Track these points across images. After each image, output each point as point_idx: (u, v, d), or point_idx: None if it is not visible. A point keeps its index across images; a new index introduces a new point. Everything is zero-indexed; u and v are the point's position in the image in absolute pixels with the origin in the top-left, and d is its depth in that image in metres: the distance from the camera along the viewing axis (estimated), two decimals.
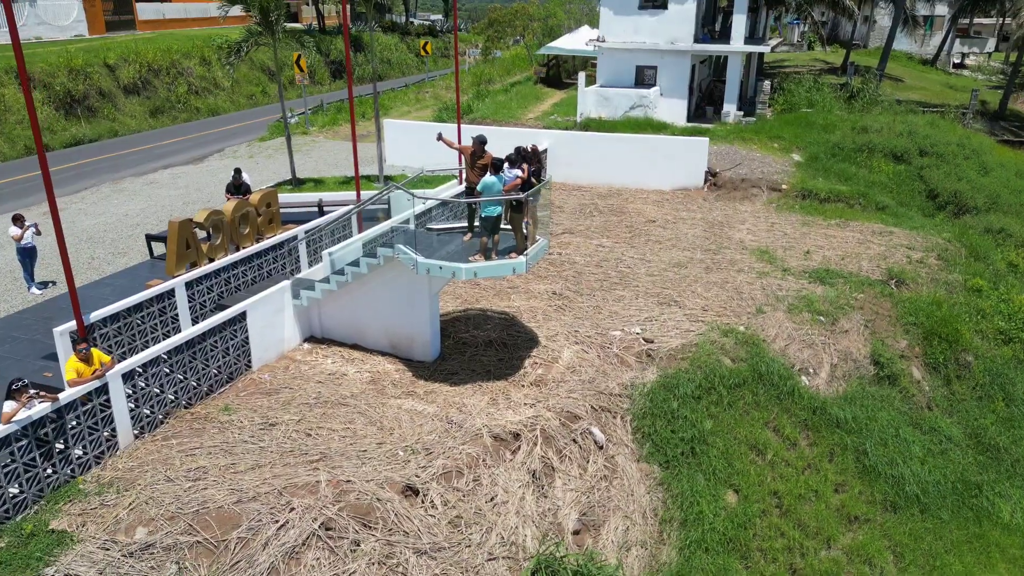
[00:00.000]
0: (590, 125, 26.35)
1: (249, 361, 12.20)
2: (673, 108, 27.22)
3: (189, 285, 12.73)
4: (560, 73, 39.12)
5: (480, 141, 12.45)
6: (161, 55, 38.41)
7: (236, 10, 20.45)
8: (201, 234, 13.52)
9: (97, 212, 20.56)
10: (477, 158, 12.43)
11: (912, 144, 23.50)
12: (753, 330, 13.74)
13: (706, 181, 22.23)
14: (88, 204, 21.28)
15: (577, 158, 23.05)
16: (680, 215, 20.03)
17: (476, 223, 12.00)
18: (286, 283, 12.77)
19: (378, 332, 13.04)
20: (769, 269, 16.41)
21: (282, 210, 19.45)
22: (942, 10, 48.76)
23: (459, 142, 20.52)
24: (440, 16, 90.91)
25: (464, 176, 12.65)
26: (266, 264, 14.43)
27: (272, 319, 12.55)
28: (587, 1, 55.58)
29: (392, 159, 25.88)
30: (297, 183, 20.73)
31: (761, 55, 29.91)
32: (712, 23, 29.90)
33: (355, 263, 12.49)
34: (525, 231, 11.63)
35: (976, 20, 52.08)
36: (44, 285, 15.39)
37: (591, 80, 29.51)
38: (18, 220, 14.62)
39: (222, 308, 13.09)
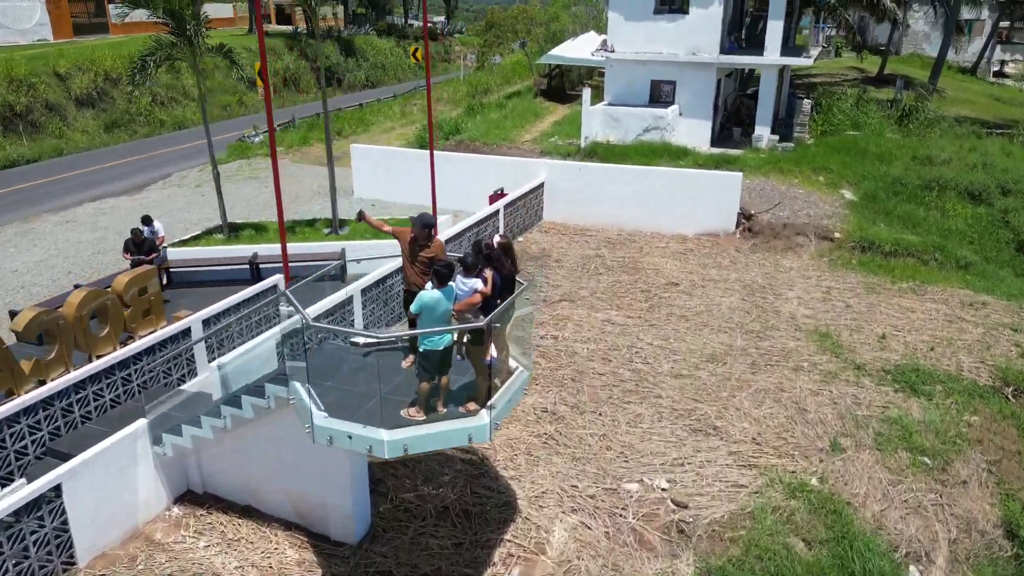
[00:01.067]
0: (596, 151, 21.86)
1: (71, 556, 7.84)
2: (695, 130, 22.68)
3: None
4: (563, 84, 34.65)
5: (423, 224, 8.04)
6: (122, 62, 34.04)
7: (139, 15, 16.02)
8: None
9: None
10: (419, 248, 8.02)
11: (990, 179, 18.90)
12: (832, 484, 9.27)
13: (738, 225, 17.72)
14: None
15: (580, 193, 18.59)
16: (709, 274, 15.53)
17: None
18: (138, 425, 8.39)
19: (278, 494, 8.66)
20: (836, 366, 11.92)
21: (207, 268, 15.14)
22: (979, 13, 43.99)
23: (433, 174, 16.13)
24: (442, 18, 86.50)
25: (403, 273, 8.33)
26: (137, 377, 10.05)
27: (114, 483, 8.17)
28: (595, 3, 50.93)
29: (359, 190, 21.48)
30: (231, 231, 16.36)
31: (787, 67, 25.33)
32: (739, 29, 25.32)
33: (235, 401, 8.09)
34: (491, 366, 7.22)
35: (1016, 24, 47.24)
36: None
37: (597, 96, 24.99)
38: None
39: (62, 456, 8.74)
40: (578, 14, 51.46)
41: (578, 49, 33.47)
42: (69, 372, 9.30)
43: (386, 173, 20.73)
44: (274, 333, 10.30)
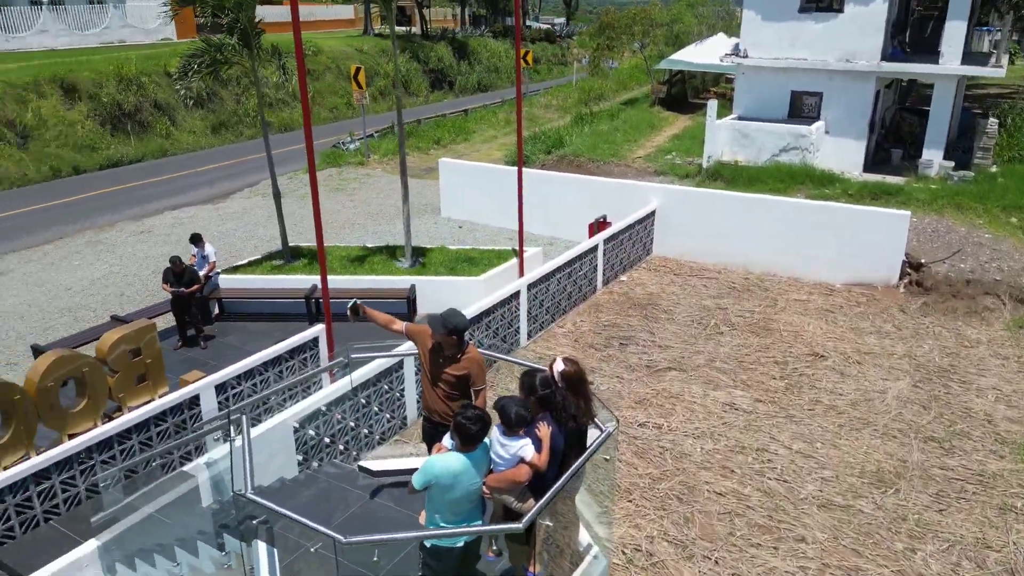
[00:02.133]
0: (721, 172, 18.48)
1: None
2: (844, 152, 18.82)
3: None
4: (685, 93, 31.14)
5: (449, 327, 5.30)
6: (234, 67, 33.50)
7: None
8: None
9: (39, 280, 14.99)
10: (443, 361, 5.33)
11: None
12: None
13: (903, 276, 13.96)
14: (41, 266, 15.81)
15: (700, 226, 15.37)
16: (866, 343, 11.98)
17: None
18: (86, 548, 6.17)
19: None
20: None
21: (260, 300, 13.15)
22: None
23: (520, 197, 13.41)
24: (563, 20, 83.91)
25: (422, 393, 5.70)
26: (124, 458, 7.93)
27: None
28: (724, 2, 46.64)
29: (446, 210, 19.11)
30: (293, 256, 14.35)
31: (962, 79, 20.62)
32: (903, 32, 21.09)
33: (190, 548, 5.70)
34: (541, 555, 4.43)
35: None
36: None
37: (725, 108, 21.50)
38: None
39: (8, 571, 6.72)
40: (705, 15, 47.39)
41: (704, 53, 29.86)
42: (30, 457, 7.27)
43: (475, 192, 18.26)
44: (292, 414, 7.95)
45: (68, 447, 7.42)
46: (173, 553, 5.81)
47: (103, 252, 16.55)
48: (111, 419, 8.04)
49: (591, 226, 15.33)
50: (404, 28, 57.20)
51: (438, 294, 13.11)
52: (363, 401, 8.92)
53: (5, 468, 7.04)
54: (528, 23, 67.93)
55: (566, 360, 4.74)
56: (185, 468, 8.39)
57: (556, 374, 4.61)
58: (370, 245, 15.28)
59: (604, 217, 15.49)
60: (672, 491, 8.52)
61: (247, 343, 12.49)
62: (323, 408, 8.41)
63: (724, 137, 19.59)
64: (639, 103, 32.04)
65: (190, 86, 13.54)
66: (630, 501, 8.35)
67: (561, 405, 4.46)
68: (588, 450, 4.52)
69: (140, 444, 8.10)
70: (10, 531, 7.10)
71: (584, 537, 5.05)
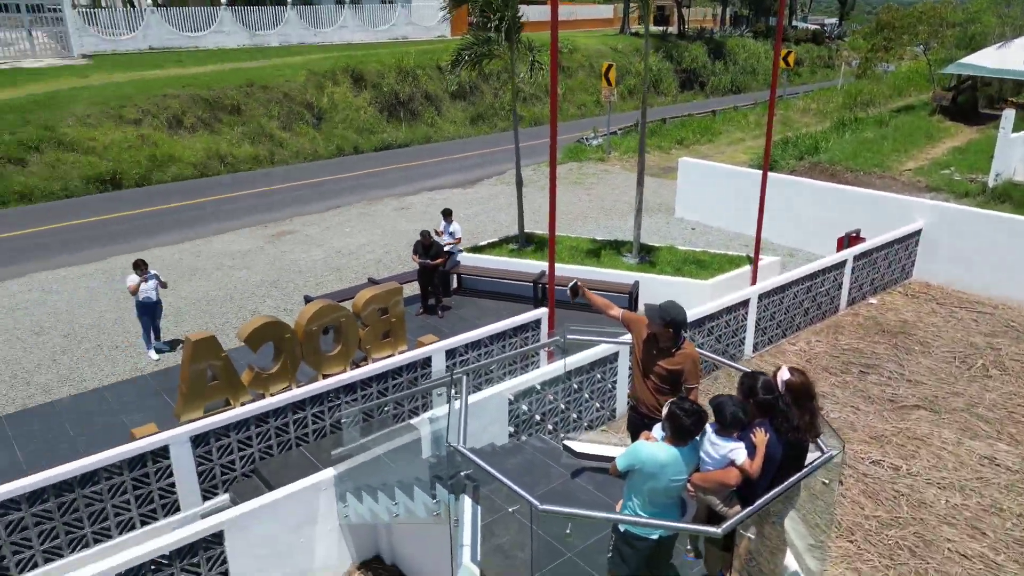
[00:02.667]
0: (1011, 193, 15.89)
1: None
2: None
3: (200, 440, 7.74)
4: (975, 101, 27.15)
5: (667, 319, 5.14)
6: (495, 61, 35.62)
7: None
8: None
9: (319, 241, 17.23)
10: (657, 353, 5.17)
11: None
12: None
13: None
14: (320, 229, 18.17)
15: (977, 252, 13.39)
16: None
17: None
18: (324, 475, 7.02)
19: None
20: None
21: (493, 280, 13.90)
22: None
23: (762, 202, 12.65)
24: (834, 20, 77.49)
25: (631, 386, 5.58)
26: (363, 403, 8.88)
27: (288, 538, 6.94)
28: None
29: (681, 210, 18.66)
30: (527, 242, 14.96)
31: None
32: None
33: (408, 492, 6.22)
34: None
35: None
36: (167, 347, 11.95)
37: None
38: (139, 267, 11.23)
39: (264, 481, 7.91)
40: (1011, 15, 40.88)
41: (1006, 58, 25.80)
42: (292, 389, 8.42)
43: (714, 193, 17.59)
44: (509, 387, 8.32)
45: (321, 385, 8.48)
46: (393, 493, 6.39)
47: (369, 223, 18.61)
48: (357, 367, 9.03)
49: (840, 240, 14.05)
50: (661, 28, 56.63)
51: (661, 293, 12.87)
52: (575, 386, 9.06)
53: (272, 394, 8.25)
54: (794, 23, 63.67)
55: (792, 370, 4.39)
56: (412, 421, 9.18)
57: (780, 382, 4.30)
58: (599, 238, 15.44)
59: (857, 232, 14.11)
60: (904, 541, 7.56)
61: (478, 318, 13.29)
62: (537, 386, 8.69)
63: (1020, 154, 16.79)
64: (916, 111, 28.61)
65: (458, 74, 14.62)
66: (851, 542, 7.57)
67: (783, 413, 4.15)
68: (807, 468, 4.15)
69: (378, 392, 9.00)
70: (269, 449, 8.30)
71: (791, 563, 4.67)
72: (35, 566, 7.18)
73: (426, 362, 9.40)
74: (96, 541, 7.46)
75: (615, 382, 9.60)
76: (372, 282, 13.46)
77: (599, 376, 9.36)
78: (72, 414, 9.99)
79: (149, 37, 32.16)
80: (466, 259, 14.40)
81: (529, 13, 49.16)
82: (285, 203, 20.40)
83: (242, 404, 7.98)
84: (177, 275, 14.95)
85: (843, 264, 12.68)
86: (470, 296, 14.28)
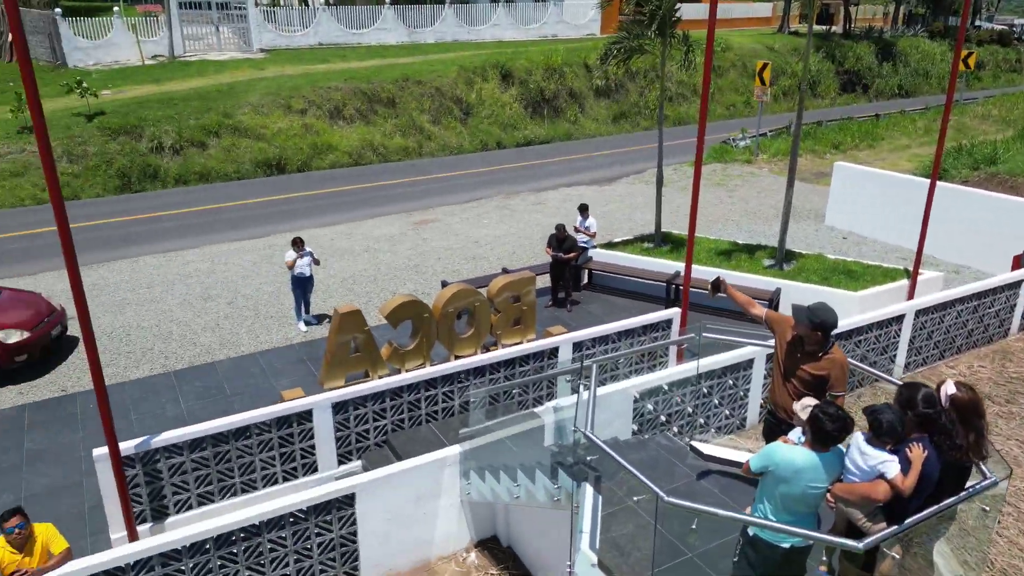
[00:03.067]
0: None
1: (355, 568, 7.17)
2: None
3: (340, 407, 8.22)
4: None
5: (816, 322, 4.83)
6: (644, 57, 35.07)
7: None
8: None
9: (457, 230, 17.78)
10: (801, 356, 4.87)
11: None
12: None
13: None
14: (460, 220, 18.72)
15: None
16: None
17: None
18: (447, 453, 7.26)
19: None
20: None
21: (624, 277, 13.75)
22: None
23: (927, 213, 11.57)
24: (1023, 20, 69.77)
25: (770, 386, 5.28)
26: (489, 386, 9.07)
27: (411, 509, 7.25)
28: None
29: (832, 217, 17.54)
30: (662, 241, 14.62)
31: None
32: None
33: (530, 475, 6.28)
34: None
35: None
36: (315, 320, 12.80)
37: None
38: (297, 244, 12.11)
39: (394, 452, 8.33)
40: None
41: None
42: (426, 367, 8.76)
43: (870, 201, 16.38)
44: (635, 384, 8.20)
45: (453, 365, 8.76)
46: (515, 475, 6.49)
47: (506, 216, 18.96)
48: (488, 351, 9.25)
49: (1017, 258, 12.66)
50: (824, 26, 53.44)
51: (804, 302, 12.23)
52: (705, 390, 8.78)
53: (407, 370, 8.62)
54: (977, 23, 57.91)
55: (959, 385, 3.99)
56: (536, 409, 9.28)
57: (944, 397, 3.93)
58: (740, 242, 14.82)
59: None
60: None
61: (607, 315, 13.20)
62: (664, 387, 8.51)
63: None
64: None
65: (605, 69, 14.52)
66: None
67: (946, 429, 3.78)
68: (967, 491, 3.76)
69: (506, 377, 9.18)
70: (401, 422, 8.69)
71: None
72: (190, 508, 7.94)
73: (553, 352, 9.46)
74: (243, 491, 8.14)
75: (747, 390, 9.21)
76: (506, 271, 13.71)
77: (731, 382, 9.02)
78: (230, 374, 10.97)
79: (319, 34, 34.48)
80: (599, 255, 14.33)
81: (685, 11, 48.02)
82: (429, 193, 21.21)
83: (380, 377, 8.41)
84: (329, 254, 15.96)
85: (1019, 285, 11.42)
86: (600, 292, 14.21)
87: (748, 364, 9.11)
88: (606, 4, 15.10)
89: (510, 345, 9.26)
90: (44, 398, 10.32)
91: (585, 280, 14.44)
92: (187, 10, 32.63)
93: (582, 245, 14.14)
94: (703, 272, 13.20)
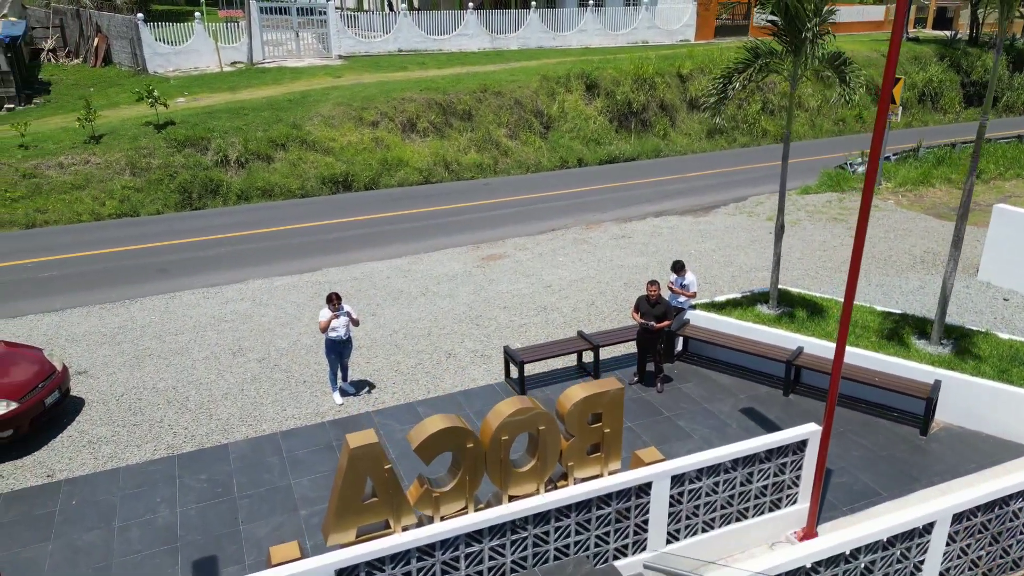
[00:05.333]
0: None
1: None
2: None
3: (348, 574, 5.90)
4: None
5: None
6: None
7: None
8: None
9: (528, 270, 15.31)
10: None
11: None
12: None
13: None
14: (532, 255, 16.25)
15: None
16: None
17: None
18: None
19: None
20: None
21: (730, 349, 11.02)
22: None
23: None
24: None
25: None
26: (556, 537, 6.58)
27: None
28: None
29: (986, 271, 14.13)
30: (780, 301, 11.70)
31: None
32: None
33: None
34: None
35: None
36: (353, 390, 10.65)
37: None
38: (332, 302, 9.96)
39: None
40: None
41: None
42: (468, 512, 6.37)
43: None
44: (774, 566, 5.55)
45: (506, 511, 6.34)
46: None
47: (585, 252, 16.38)
48: (555, 488, 6.77)
49: None
50: (948, 32, 48.06)
51: (973, 403, 9.19)
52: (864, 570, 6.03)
53: (442, 518, 6.26)
54: None
55: None
56: (617, 563, 6.77)
57: None
58: (880, 307, 11.72)
59: None
60: None
61: (707, 398, 10.51)
62: (808, 566, 5.83)
63: None
64: None
65: (728, 101, 11.52)
66: None
67: None
68: None
69: (577, 526, 6.68)
70: None
71: None
72: None
73: (643, 488, 6.90)
74: None
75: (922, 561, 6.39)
76: (583, 338, 11.20)
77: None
78: (243, 464, 8.92)
79: (399, 40, 32.77)
80: (698, 317, 11.59)
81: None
82: (500, 220, 18.87)
83: (404, 529, 6.09)
84: (382, 297, 13.85)
85: None
86: (698, 364, 11.48)
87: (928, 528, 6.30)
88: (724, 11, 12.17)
89: (585, 479, 6.76)
90: (24, 485, 8.54)
91: (680, 347, 11.75)
92: (269, 15, 31.55)
93: (678, 306, 11.47)
94: (831, 350, 10.30)
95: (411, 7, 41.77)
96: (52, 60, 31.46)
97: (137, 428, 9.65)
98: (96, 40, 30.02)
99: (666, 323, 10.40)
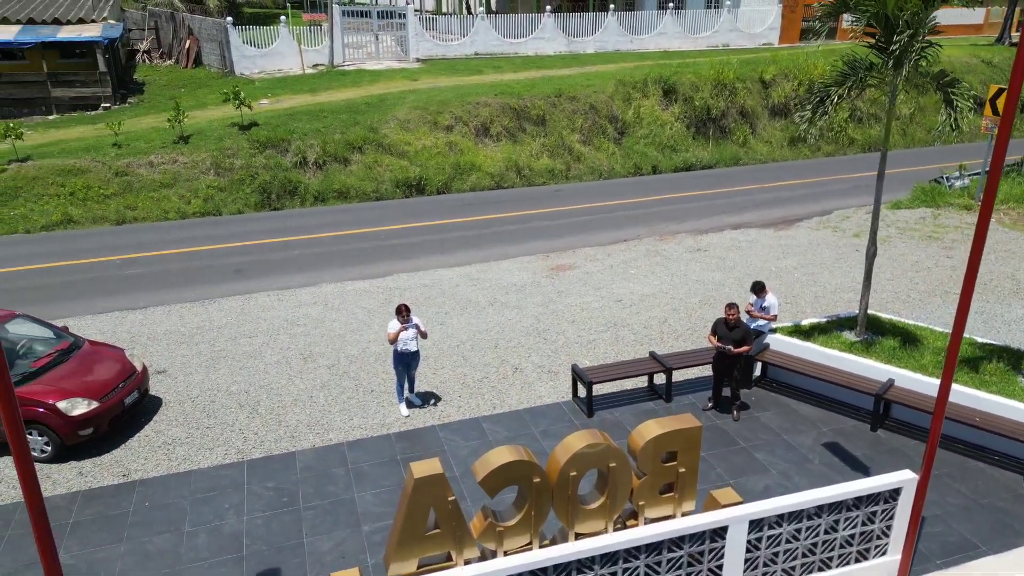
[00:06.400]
0: None
1: None
2: None
3: None
4: None
5: None
6: (833, 70, 30.21)
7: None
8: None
9: (598, 282, 14.91)
10: None
11: None
12: None
13: None
14: (602, 267, 15.85)
15: None
16: None
17: None
18: None
19: None
20: None
21: (809, 377, 10.42)
22: None
23: None
24: None
25: None
26: None
27: None
28: None
29: None
30: (869, 330, 10.93)
31: None
32: None
33: None
34: None
35: None
36: (419, 401, 10.56)
37: None
38: (401, 313, 9.89)
39: None
40: None
41: None
42: (532, 549, 6.10)
43: None
44: None
45: (572, 549, 6.06)
46: None
47: (657, 265, 15.87)
48: (624, 527, 6.43)
49: None
50: None
51: None
52: None
53: (506, 553, 6.02)
54: None
55: None
56: None
57: None
58: (978, 339, 10.82)
59: None
60: None
61: (787, 429, 9.93)
62: None
63: None
64: None
65: (825, 118, 10.90)
66: None
67: None
68: None
69: (647, 568, 6.32)
70: None
71: None
72: None
73: (718, 532, 6.48)
74: None
75: None
76: (655, 359, 10.78)
77: None
78: (309, 474, 8.93)
79: (476, 43, 32.81)
80: (779, 342, 10.98)
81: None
82: (571, 229, 18.53)
83: (466, 562, 5.88)
84: (450, 306, 13.76)
85: None
86: (778, 392, 10.88)
87: None
88: (825, 18, 11.47)
89: (657, 519, 6.39)
90: (101, 484, 8.79)
91: (758, 372, 11.16)
92: (350, 18, 32.14)
93: (757, 329, 10.90)
94: (926, 385, 9.57)
95: (488, 10, 41.84)
96: (147, 61, 32.99)
97: (210, 431, 9.82)
98: (188, 42, 31.26)
99: (745, 348, 9.87)
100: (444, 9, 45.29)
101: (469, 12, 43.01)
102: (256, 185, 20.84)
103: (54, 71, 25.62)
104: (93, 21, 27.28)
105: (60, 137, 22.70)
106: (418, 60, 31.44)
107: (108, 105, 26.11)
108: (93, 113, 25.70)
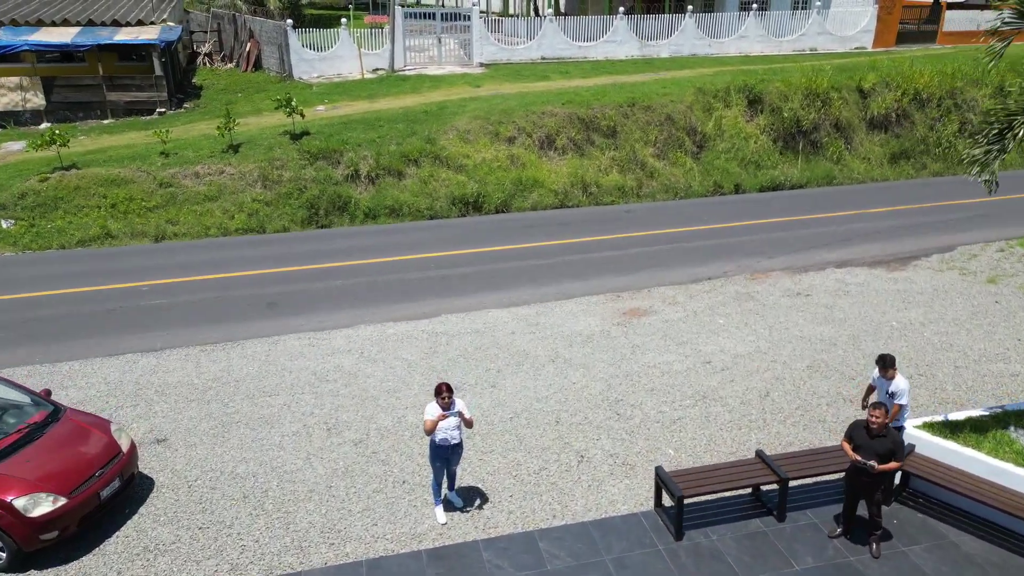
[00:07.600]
0: None
1: None
2: None
3: None
4: None
5: None
6: (941, 79, 26.64)
7: None
8: None
9: (680, 335, 12.31)
10: None
11: None
12: None
13: None
14: (683, 313, 13.27)
15: None
16: None
17: None
18: None
19: None
20: None
21: (975, 502, 7.72)
22: None
23: None
24: None
25: None
26: None
27: None
28: None
29: None
30: None
31: None
32: None
33: None
34: None
35: None
36: (460, 502, 8.32)
37: None
38: (442, 394, 7.68)
39: None
40: None
41: None
42: None
43: None
44: None
45: None
46: None
47: (751, 313, 13.20)
48: None
49: None
50: None
51: None
52: None
53: None
54: None
55: None
56: None
57: None
58: None
59: None
60: None
61: (942, 571, 7.25)
62: None
63: None
64: None
65: (995, 162, 8.20)
66: None
67: None
68: None
69: None
70: None
71: None
72: None
73: None
74: None
75: None
76: (761, 459, 8.25)
77: None
78: None
79: (543, 47, 30.47)
80: (925, 444, 8.28)
81: (954, 19, 37.15)
82: (644, 261, 16.00)
83: None
84: (504, 360, 11.48)
85: None
86: (924, 511, 8.18)
87: None
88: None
89: None
90: None
91: (897, 480, 8.50)
92: (413, 20, 30.28)
93: (895, 426, 8.23)
94: None
95: (557, 11, 39.40)
96: (208, 64, 31.90)
97: (203, 533, 7.83)
98: (248, 45, 29.96)
99: (894, 466, 7.26)
100: (510, 11, 43.07)
101: (537, 14, 40.66)
102: (304, 200, 19.06)
103: (110, 74, 24.55)
104: (152, 23, 26.16)
105: (111, 144, 21.48)
106: (481, 64, 29.28)
107: (163, 110, 24.90)
108: (148, 118, 24.52)
